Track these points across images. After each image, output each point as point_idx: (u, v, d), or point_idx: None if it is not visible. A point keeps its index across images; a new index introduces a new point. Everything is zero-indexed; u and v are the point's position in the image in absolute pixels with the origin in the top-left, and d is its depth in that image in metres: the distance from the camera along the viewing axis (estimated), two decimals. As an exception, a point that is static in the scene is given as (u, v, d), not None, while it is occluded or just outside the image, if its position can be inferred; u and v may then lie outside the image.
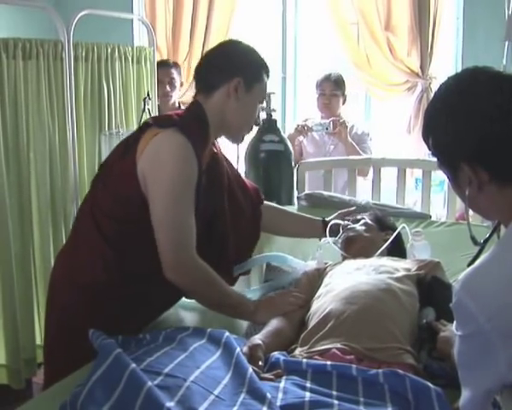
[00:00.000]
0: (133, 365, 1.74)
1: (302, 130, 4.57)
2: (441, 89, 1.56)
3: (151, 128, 2.30)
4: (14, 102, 3.37)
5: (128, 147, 2.33)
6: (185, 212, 2.25)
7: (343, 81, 4.81)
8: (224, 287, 2.38)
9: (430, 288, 2.31)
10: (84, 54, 3.76)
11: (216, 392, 1.76)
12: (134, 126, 4.00)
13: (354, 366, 1.91)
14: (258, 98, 2.49)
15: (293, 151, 3.89)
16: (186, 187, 2.25)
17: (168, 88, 4.72)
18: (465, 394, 1.44)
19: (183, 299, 2.60)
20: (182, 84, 4.98)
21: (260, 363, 2.01)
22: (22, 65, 3.42)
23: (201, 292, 2.36)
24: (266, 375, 1.95)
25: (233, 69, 2.41)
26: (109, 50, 3.92)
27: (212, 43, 5.67)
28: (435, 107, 1.55)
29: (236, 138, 2.62)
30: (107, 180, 2.39)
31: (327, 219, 2.83)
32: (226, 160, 2.74)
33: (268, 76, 2.51)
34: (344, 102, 4.85)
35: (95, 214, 2.37)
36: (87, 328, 2.00)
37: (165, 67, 4.74)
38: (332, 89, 4.74)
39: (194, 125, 2.34)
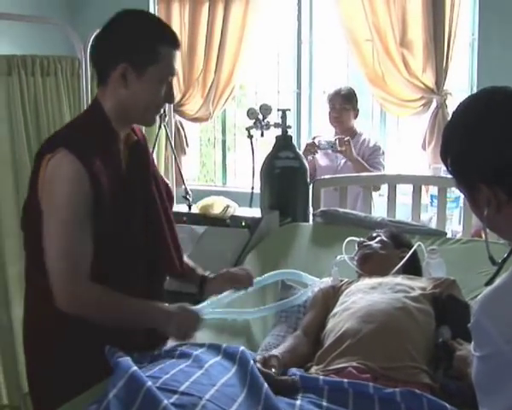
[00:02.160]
0: (149, 383, 1.75)
1: (311, 149, 4.59)
2: (459, 109, 1.55)
3: (44, 156, 2.12)
4: (36, 116, 3.41)
5: (31, 183, 2.20)
6: (76, 240, 2.10)
7: (354, 95, 4.83)
8: (127, 301, 2.18)
9: (446, 306, 2.30)
10: (100, 71, 3.78)
11: (231, 410, 1.76)
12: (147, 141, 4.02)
13: (371, 384, 1.90)
14: (158, 80, 2.19)
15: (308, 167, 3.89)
16: (75, 213, 2.09)
17: (337, 114, 4.79)
18: None
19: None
20: (357, 112, 4.91)
21: (274, 370, 2.01)
22: (41, 82, 3.45)
23: (102, 317, 2.15)
24: (282, 377, 1.96)
25: (118, 54, 2.15)
26: (125, 66, 3.94)
27: (227, 58, 5.73)
28: (453, 127, 1.55)
29: (144, 123, 2.46)
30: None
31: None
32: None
33: (174, 46, 2.20)
34: (356, 117, 4.87)
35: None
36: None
37: (336, 95, 4.82)
38: (342, 103, 4.76)
39: (84, 133, 2.17)
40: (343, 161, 4.67)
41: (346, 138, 4.56)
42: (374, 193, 4.36)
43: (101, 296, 2.14)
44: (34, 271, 2.27)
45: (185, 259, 2.59)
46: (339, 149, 4.53)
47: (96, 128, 2.20)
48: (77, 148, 2.09)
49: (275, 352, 2.18)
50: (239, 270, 2.75)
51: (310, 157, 4.61)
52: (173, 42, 2.20)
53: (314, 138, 4.79)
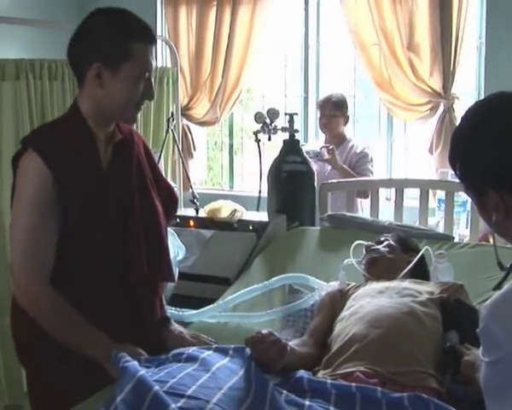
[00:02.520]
0: (156, 387, 1.75)
1: None
2: (468, 114, 1.55)
3: (21, 154, 2.16)
4: (43, 121, 3.41)
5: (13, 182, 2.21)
6: (37, 240, 2.10)
7: (345, 102, 4.86)
8: (77, 321, 2.12)
9: (453, 311, 2.29)
10: (108, 75, 3.79)
11: (238, 414, 1.76)
12: (150, 146, 4.03)
13: (379, 388, 1.90)
14: (134, 76, 2.15)
15: (315, 171, 3.89)
16: (38, 213, 2.09)
17: (327, 120, 4.83)
18: None
19: (199, 320, 2.60)
20: (347, 118, 4.93)
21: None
22: (48, 85, 3.45)
23: (48, 322, 2.12)
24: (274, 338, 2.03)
25: (88, 54, 2.13)
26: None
27: (235, 62, 5.74)
28: (462, 132, 1.54)
29: (124, 121, 2.32)
30: None
31: None
32: (145, 148, 2.49)
33: (148, 41, 2.17)
34: (346, 123, 4.91)
35: None
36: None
37: (326, 101, 4.84)
38: (332, 110, 4.79)
39: (57, 133, 2.19)
40: (329, 167, 4.68)
41: (330, 147, 4.59)
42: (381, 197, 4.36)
43: (57, 304, 2.12)
44: None
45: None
46: (324, 157, 4.55)
47: (70, 128, 2.20)
48: (44, 148, 2.10)
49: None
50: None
51: None
52: (146, 37, 2.17)
53: None
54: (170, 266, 2.45)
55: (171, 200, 2.58)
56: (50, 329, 2.12)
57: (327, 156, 4.54)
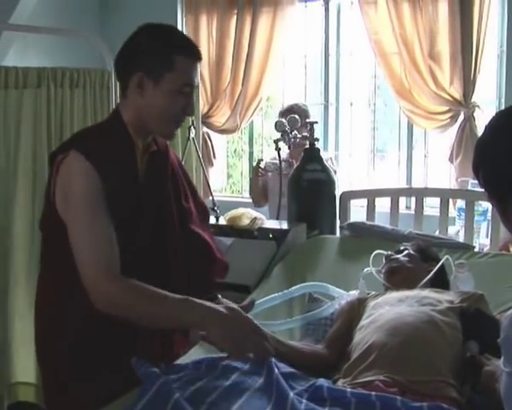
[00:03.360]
0: (177, 394, 1.76)
1: (256, 171, 4.67)
2: (491, 122, 1.56)
3: (56, 157, 2.18)
4: (60, 129, 3.44)
5: (46, 190, 2.24)
6: (102, 233, 2.09)
7: (306, 112, 4.81)
8: (168, 296, 2.07)
9: (473, 321, 2.29)
10: (129, 83, 3.81)
11: (258, 422, 1.77)
12: (177, 154, 4.05)
13: (399, 397, 1.90)
14: (174, 89, 2.18)
15: (335, 180, 3.89)
16: (94, 207, 2.09)
17: None
18: None
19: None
20: None
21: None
22: (69, 93, 3.48)
23: (136, 312, 2.07)
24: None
25: (132, 63, 2.19)
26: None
27: (255, 70, 5.76)
28: (485, 141, 1.55)
29: (163, 135, 2.35)
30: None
31: None
32: (179, 164, 2.54)
33: (192, 56, 2.21)
34: None
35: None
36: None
37: (288, 111, 4.81)
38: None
39: (98, 138, 2.22)
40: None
41: (291, 160, 4.59)
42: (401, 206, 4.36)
43: (137, 291, 2.06)
44: (49, 284, 2.30)
45: None
46: (284, 172, 4.48)
47: (111, 135, 2.24)
48: (87, 149, 2.12)
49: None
50: None
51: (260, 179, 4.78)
52: (190, 52, 2.21)
53: (260, 162, 4.91)
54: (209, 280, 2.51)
55: (204, 216, 2.63)
56: (142, 317, 2.07)
57: (286, 171, 4.51)
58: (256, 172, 4.81)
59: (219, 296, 2.47)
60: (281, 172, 4.29)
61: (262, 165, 4.80)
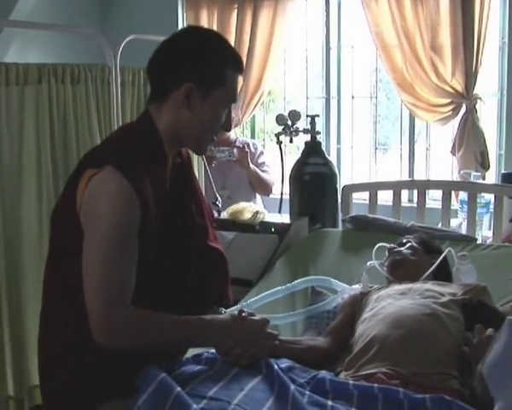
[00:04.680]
0: (178, 388, 1.77)
1: (207, 159, 4.63)
2: None
3: (87, 170, 1.97)
4: (64, 125, 3.42)
5: (66, 195, 2.06)
6: (120, 261, 1.92)
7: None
8: (172, 322, 1.99)
9: (476, 313, 2.29)
10: (130, 78, 3.81)
11: (260, 415, 1.77)
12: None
13: (401, 390, 1.90)
14: (222, 104, 2.09)
15: (337, 173, 3.89)
16: (121, 234, 1.93)
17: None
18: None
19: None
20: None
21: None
22: (71, 89, 3.47)
23: (147, 343, 1.97)
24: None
25: (183, 72, 2.03)
26: (155, 74, 3.97)
27: (256, 64, 5.76)
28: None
29: (196, 151, 2.29)
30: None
31: None
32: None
33: (240, 71, 2.11)
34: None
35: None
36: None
37: None
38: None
39: (133, 151, 2.03)
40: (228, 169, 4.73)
41: (241, 146, 4.66)
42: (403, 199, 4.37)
43: (145, 319, 1.96)
44: (58, 297, 2.13)
45: None
46: (235, 158, 4.56)
47: (147, 148, 2.06)
48: (125, 166, 1.94)
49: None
50: None
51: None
52: (239, 66, 2.12)
53: (208, 150, 4.81)
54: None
55: (210, 217, 2.56)
56: (153, 345, 1.98)
57: (236, 157, 4.57)
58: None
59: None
60: (283, 165, 4.29)
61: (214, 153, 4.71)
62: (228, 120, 2.15)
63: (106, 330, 1.90)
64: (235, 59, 2.10)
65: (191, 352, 2.18)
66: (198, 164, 4.24)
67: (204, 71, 2.02)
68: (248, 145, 4.86)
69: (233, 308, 2.65)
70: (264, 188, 4.76)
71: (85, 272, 1.92)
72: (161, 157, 2.09)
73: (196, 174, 4.29)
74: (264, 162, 4.80)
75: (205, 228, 2.35)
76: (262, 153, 4.88)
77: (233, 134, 5.06)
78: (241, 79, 2.15)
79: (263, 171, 4.75)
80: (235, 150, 4.56)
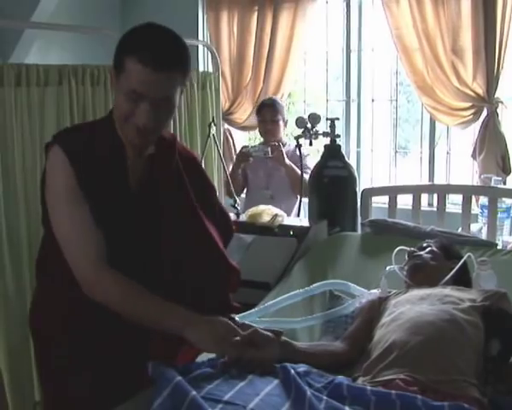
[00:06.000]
0: (193, 392, 1.76)
1: (243, 157, 4.69)
2: None
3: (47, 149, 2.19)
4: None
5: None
6: (84, 223, 2.09)
7: (282, 106, 4.98)
8: (149, 296, 2.07)
9: (496, 319, 2.27)
10: (150, 80, 3.81)
11: (276, 419, 1.76)
12: (198, 151, 4.05)
13: (419, 396, 1.88)
14: (123, 92, 2.05)
15: (357, 177, 3.88)
16: (69, 198, 2.10)
17: (269, 126, 4.90)
18: None
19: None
20: (285, 122, 5.04)
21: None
22: (91, 90, 3.49)
23: (122, 305, 2.08)
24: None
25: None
26: (175, 76, 3.97)
27: (276, 66, 5.75)
28: None
29: (128, 139, 2.17)
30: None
31: None
32: (196, 165, 2.46)
33: (144, 63, 2.00)
34: (285, 127, 5.05)
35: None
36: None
37: (266, 107, 4.95)
38: (272, 115, 4.89)
39: (81, 134, 2.19)
40: (274, 170, 4.80)
41: (276, 144, 4.67)
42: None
43: (121, 284, 2.08)
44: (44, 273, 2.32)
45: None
46: (271, 155, 4.61)
47: (100, 132, 2.21)
48: (67, 143, 2.12)
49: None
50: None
51: (242, 166, 4.83)
52: (141, 56, 2.01)
53: (244, 147, 4.90)
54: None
55: (226, 230, 2.55)
56: (125, 311, 2.08)
57: (271, 154, 4.62)
58: (239, 159, 4.82)
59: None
60: (302, 168, 4.28)
61: (250, 150, 4.79)
62: (140, 115, 2.06)
63: (95, 289, 2.09)
64: (139, 48, 2.02)
65: (206, 355, 2.17)
66: (217, 168, 4.26)
67: (115, 56, 2.09)
68: (295, 148, 4.86)
69: (250, 312, 2.65)
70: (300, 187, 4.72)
71: (60, 243, 2.12)
72: (115, 142, 2.17)
73: (215, 173, 4.32)
74: (305, 165, 4.78)
75: (194, 223, 2.34)
76: (307, 157, 4.80)
77: (285, 138, 5.14)
78: (152, 76, 2.00)
79: (306, 173, 4.72)
80: (269, 148, 4.59)
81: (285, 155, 4.68)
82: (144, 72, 2.00)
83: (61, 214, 2.13)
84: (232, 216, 3.73)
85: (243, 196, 5.03)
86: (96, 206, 2.12)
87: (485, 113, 5.03)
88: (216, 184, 4.31)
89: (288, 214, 4.30)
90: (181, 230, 2.30)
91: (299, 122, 4.04)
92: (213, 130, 4.01)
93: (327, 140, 3.91)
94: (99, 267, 2.08)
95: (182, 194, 2.32)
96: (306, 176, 4.63)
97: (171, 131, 3.93)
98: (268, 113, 4.89)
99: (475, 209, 4.49)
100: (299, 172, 4.53)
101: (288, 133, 6.36)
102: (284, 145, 4.90)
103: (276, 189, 4.73)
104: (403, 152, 6.32)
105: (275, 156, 4.63)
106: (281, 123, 4.91)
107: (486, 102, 4.96)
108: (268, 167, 4.81)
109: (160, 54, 2.03)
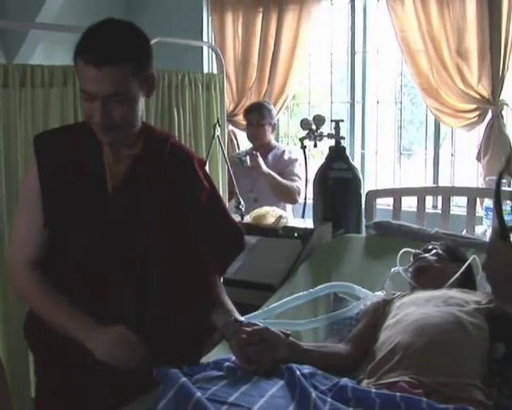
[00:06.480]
0: (198, 394, 1.76)
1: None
2: None
3: None
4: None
5: None
6: (20, 226, 2.20)
7: (269, 110, 4.92)
8: (59, 300, 2.12)
9: (501, 322, 2.26)
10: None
11: (280, 421, 1.76)
12: (203, 152, 4.04)
13: (424, 399, 1.88)
14: (81, 91, 2.04)
15: (361, 178, 3.87)
16: (24, 201, 2.19)
17: (255, 130, 4.89)
18: None
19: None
20: (273, 126, 5.02)
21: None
22: (95, 92, 3.48)
23: (32, 302, 2.21)
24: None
25: None
26: (180, 77, 3.97)
27: (280, 68, 5.76)
28: None
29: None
30: None
31: None
32: (192, 169, 2.30)
33: (86, 62, 1.98)
34: (273, 131, 5.01)
35: None
36: None
37: (253, 111, 4.93)
38: (258, 119, 4.86)
39: (58, 136, 2.23)
40: (258, 173, 4.72)
41: (254, 152, 4.63)
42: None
43: (33, 288, 2.16)
44: None
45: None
46: (248, 164, 4.57)
47: (76, 134, 2.21)
48: (40, 144, 2.17)
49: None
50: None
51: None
52: (83, 55, 2.00)
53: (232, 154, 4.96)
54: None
55: (231, 241, 2.44)
56: (36, 310, 2.18)
57: (249, 164, 4.57)
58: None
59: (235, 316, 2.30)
60: (306, 170, 4.27)
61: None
62: (95, 114, 2.02)
63: (14, 285, 2.27)
64: (81, 47, 2.03)
65: (212, 357, 2.17)
66: (221, 169, 4.25)
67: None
68: (283, 153, 4.88)
69: (254, 314, 2.65)
70: (284, 195, 4.67)
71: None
72: (93, 145, 2.15)
73: (219, 174, 4.31)
74: (292, 171, 4.76)
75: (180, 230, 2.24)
76: (294, 163, 4.82)
77: (274, 141, 5.10)
78: (94, 73, 1.96)
79: (291, 180, 4.71)
80: (248, 157, 4.57)
81: (262, 164, 4.61)
82: (88, 70, 1.98)
83: (18, 210, 2.24)
84: (236, 218, 3.74)
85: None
86: (68, 206, 2.13)
87: (490, 115, 5.02)
88: (220, 186, 4.28)
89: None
90: (158, 233, 2.20)
91: (304, 124, 4.04)
92: (218, 131, 4.00)
93: (331, 142, 3.91)
94: (23, 269, 2.17)
95: (165, 196, 2.21)
96: (293, 183, 4.66)
97: (176, 132, 3.93)
98: (254, 117, 4.87)
99: (480, 212, 4.49)
100: (279, 179, 4.51)
101: (292, 135, 6.37)
102: (272, 149, 4.90)
103: (261, 192, 4.67)
104: (407, 154, 6.31)
105: (252, 166, 4.59)
106: (267, 127, 4.87)
107: (491, 104, 4.96)
108: (253, 171, 4.71)
109: (101, 49, 2.00)
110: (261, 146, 4.83)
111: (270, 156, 4.78)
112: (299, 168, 4.79)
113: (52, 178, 2.12)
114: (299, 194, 4.70)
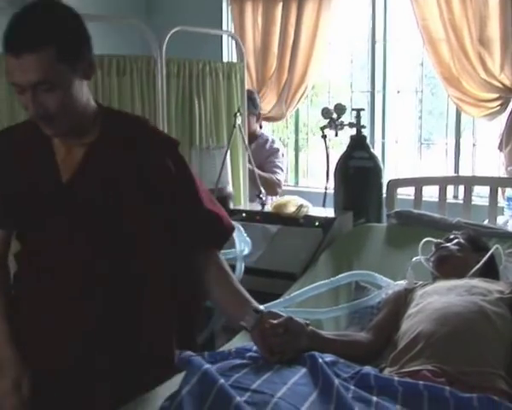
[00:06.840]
0: (221, 380, 1.77)
1: None
2: None
3: None
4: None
5: None
6: None
7: (252, 100, 4.83)
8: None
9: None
10: (176, 70, 3.82)
11: (303, 408, 1.75)
12: (225, 141, 4.05)
13: (447, 388, 1.87)
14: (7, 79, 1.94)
15: (382, 168, 3.86)
16: None
17: None
18: None
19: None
20: (258, 115, 5.00)
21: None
22: (117, 81, 3.49)
23: None
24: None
25: None
26: (200, 66, 3.97)
27: (301, 57, 5.74)
28: None
29: None
30: None
31: None
32: (167, 156, 2.17)
33: (8, 51, 1.87)
34: (258, 120, 4.99)
35: None
36: None
37: None
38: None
39: (12, 127, 2.24)
40: None
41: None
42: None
43: None
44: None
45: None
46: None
47: (26, 129, 2.12)
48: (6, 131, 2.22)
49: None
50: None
51: None
52: (6, 47, 1.88)
53: None
54: None
55: (207, 228, 2.28)
56: None
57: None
58: None
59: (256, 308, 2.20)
60: (328, 159, 4.25)
61: None
62: (28, 105, 1.93)
63: None
64: (4, 37, 1.89)
65: (234, 345, 2.18)
66: (242, 158, 4.25)
67: None
68: (266, 141, 4.89)
69: (275, 302, 2.65)
70: (264, 187, 4.39)
71: None
72: (39, 134, 2.04)
73: (240, 162, 4.31)
74: (273, 163, 4.77)
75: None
76: (276, 153, 4.83)
77: (259, 129, 5.07)
78: (16, 62, 1.84)
79: (273, 172, 4.71)
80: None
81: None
82: (10, 60, 1.87)
83: None
84: (257, 206, 3.75)
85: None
86: (19, 204, 2.10)
87: (512, 104, 4.99)
88: (241, 174, 4.30)
89: None
90: (117, 221, 2.10)
91: (325, 112, 4.03)
92: (239, 120, 4.00)
93: (351, 131, 3.90)
94: None
95: (124, 183, 2.11)
96: (272, 175, 4.65)
97: (197, 121, 3.94)
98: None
99: (501, 202, 4.46)
100: (258, 171, 4.41)
101: (312, 125, 6.35)
102: (257, 138, 4.89)
103: None
104: (428, 144, 6.29)
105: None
106: (250, 117, 4.76)
107: (514, 93, 4.92)
108: None
109: (18, 36, 1.87)
110: (249, 134, 4.68)
111: (253, 146, 4.72)
112: (281, 159, 4.82)
113: (4, 174, 2.13)
114: (279, 186, 4.73)
